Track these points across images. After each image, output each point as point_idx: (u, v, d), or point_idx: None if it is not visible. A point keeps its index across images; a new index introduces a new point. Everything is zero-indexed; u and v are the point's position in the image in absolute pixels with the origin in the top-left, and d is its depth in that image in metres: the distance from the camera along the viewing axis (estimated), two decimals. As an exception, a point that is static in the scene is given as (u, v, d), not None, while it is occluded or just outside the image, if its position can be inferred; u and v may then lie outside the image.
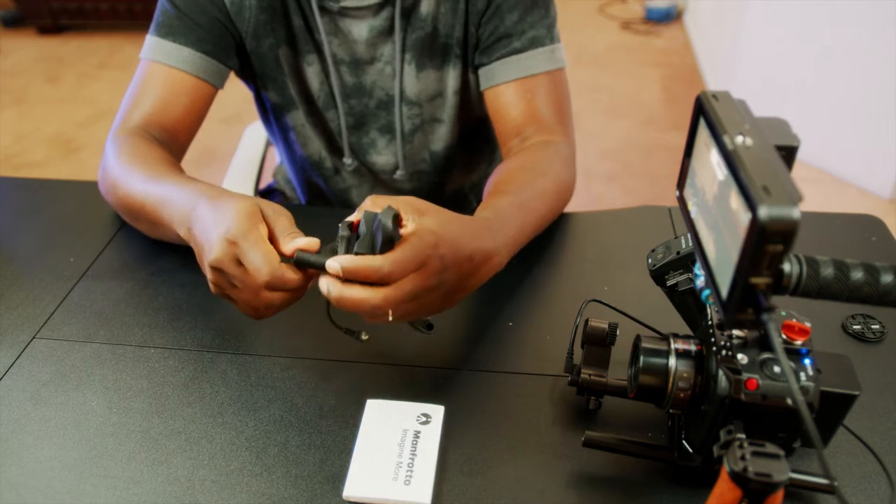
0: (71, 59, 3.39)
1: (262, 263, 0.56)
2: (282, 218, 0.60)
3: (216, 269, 0.59)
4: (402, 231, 0.57)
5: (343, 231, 0.57)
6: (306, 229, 0.60)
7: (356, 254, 0.55)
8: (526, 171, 0.79)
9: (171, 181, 0.71)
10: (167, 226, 0.69)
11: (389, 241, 0.55)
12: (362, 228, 0.56)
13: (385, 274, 0.54)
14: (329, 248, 0.58)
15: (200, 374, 0.67)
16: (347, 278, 0.55)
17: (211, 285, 0.61)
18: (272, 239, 0.59)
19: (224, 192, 0.64)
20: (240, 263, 0.57)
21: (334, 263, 0.55)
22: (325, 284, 0.56)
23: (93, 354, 0.69)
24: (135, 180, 0.75)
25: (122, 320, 0.73)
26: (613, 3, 3.94)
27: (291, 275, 0.57)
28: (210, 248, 0.59)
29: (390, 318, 0.56)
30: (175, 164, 0.79)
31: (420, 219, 0.58)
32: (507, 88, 0.89)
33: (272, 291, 0.58)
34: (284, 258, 0.58)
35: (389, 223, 0.54)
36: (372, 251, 0.55)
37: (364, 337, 0.62)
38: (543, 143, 0.86)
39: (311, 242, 0.58)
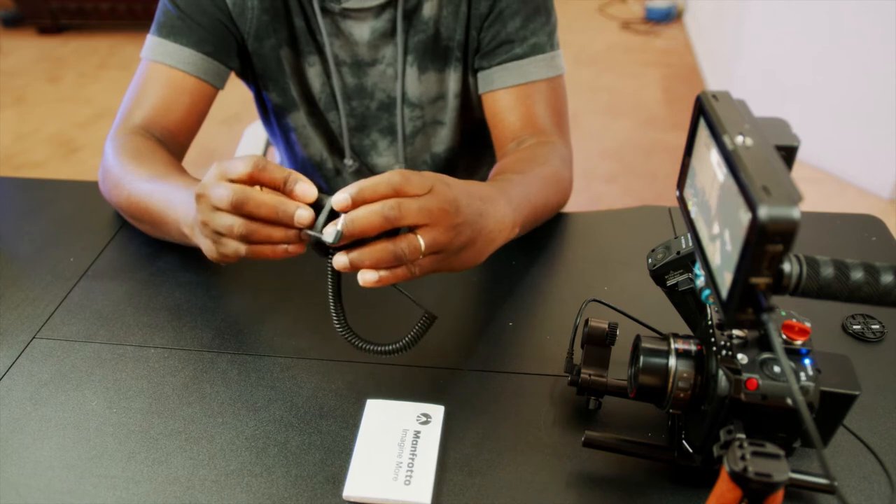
0: (71, 59, 3.39)
1: (238, 163, 0.55)
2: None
3: (199, 196, 0.57)
4: None
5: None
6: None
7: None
8: (526, 161, 0.80)
9: (173, 181, 0.71)
10: (171, 225, 0.69)
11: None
12: None
13: (396, 183, 0.53)
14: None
15: (200, 374, 0.67)
16: (357, 204, 0.53)
17: (197, 226, 0.59)
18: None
19: None
20: (224, 173, 0.55)
21: (342, 194, 0.52)
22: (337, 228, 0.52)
23: (93, 354, 0.69)
24: (137, 180, 0.75)
25: (122, 320, 0.73)
26: (613, 3, 3.93)
27: (273, 165, 0.54)
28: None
29: (422, 249, 0.54)
30: (176, 164, 0.79)
31: None
32: (505, 94, 0.89)
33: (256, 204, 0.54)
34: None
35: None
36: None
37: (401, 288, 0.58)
38: (542, 143, 0.86)
39: (310, 189, 0.55)
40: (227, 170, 0.56)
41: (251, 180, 0.55)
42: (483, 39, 0.90)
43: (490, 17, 0.89)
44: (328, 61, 0.92)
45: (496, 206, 0.64)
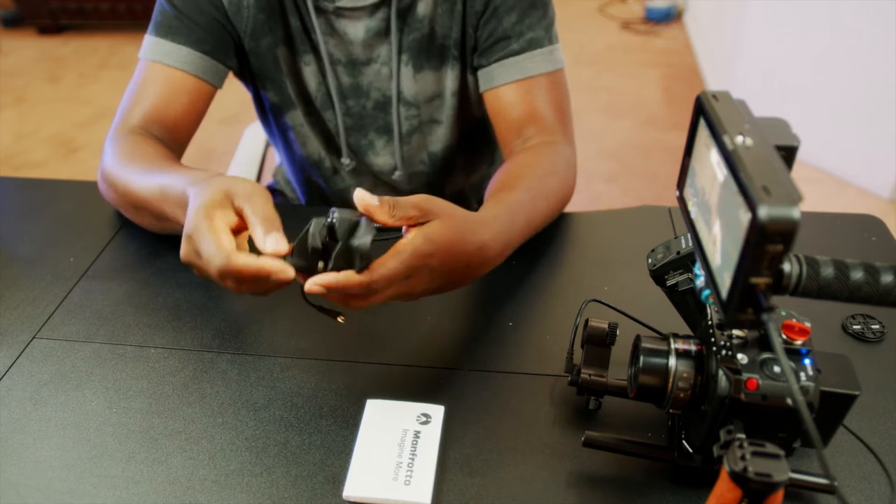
0: (71, 59, 3.39)
1: (212, 255, 0.55)
2: (254, 199, 0.57)
3: (187, 263, 0.60)
4: (405, 235, 0.57)
5: (317, 229, 0.55)
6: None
7: (335, 265, 0.54)
8: (533, 168, 0.80)
9: (170, 172, 0.71)
10: (171, 218, 0.69)
11: (367, 259, 0.55)
12: (339, 232, 0.55)
13: (370, 289, 0.56)
14: (301, 248, 0.55)
15: (200, 374, 0.67)
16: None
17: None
18: (243, 224, 0.58)
19: (205, 179, 0.62)
20: (200, 255, 0.57)
21: (314, 287, 0.54)
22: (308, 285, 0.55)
23: (93, 354, 0.69)
24: (136, 174, 0.75)
25: (122, 320, 0.73)
26: (613, 3, 3.93)
27: (242, 262, 0.54)
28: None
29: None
30: (174, 159, 0.79)
31: (424, 226, 0.58)
32: (506, 90, 0.89)
33: (237, 281, 0.56)
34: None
35: (368, 243, 0.54)
36: (349, 264, 0.54)
37: (341, 320, 0.61)
38: (547, 143, 0.86)
39: (279, 248, 0.54)
40: (198, 248, 0.56)
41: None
42: (480, 37, 0.90)
43: (485, 13, 0.88)
44: (323, 60, 0.92)
45: (484, 262, 0.64)
